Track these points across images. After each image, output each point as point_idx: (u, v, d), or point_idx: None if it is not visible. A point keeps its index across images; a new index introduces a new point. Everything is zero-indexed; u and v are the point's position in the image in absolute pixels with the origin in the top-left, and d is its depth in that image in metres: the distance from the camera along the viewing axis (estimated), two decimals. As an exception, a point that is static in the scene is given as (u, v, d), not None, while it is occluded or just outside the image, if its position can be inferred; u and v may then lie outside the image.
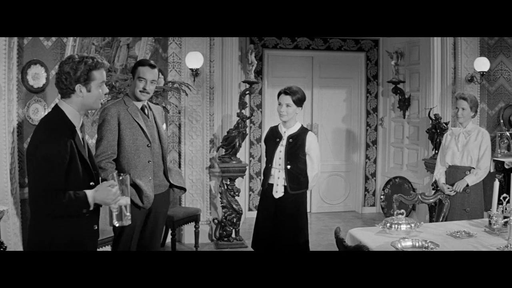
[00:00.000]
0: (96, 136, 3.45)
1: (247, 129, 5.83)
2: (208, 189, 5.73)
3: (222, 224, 5.56)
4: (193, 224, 5.35)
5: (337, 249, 2.85)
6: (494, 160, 5.51)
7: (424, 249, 2.75)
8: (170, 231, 5.17)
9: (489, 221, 3.19)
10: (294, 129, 3.88)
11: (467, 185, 4.16)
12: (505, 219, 2.94)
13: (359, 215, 7.25)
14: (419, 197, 4.08)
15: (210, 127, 5.69)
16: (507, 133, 5.80)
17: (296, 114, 3.86)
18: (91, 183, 2.34)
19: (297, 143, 3.83)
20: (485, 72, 5.80)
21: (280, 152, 3.85)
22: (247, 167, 6.08)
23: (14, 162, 3.92)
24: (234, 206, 5.52)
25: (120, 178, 2.39)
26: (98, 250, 4.16)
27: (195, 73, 5.40)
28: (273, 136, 3.94)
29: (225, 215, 5.52)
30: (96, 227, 2.43)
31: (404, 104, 6.85)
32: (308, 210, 4.12)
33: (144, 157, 3.38)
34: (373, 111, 7.35)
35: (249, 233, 4.88)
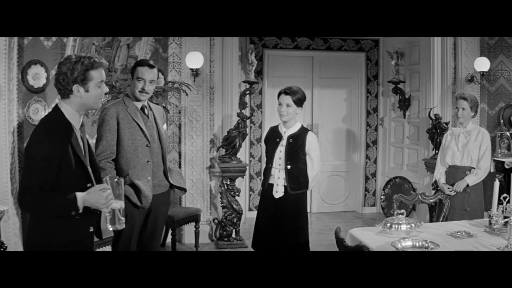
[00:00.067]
0: (96, 136, 3.45)
1: (247, 129, 5.83)
2: (208, 189, 5.73)
3: (222, 224, 5.56)
4: (193, 224, 5.35)
5: (337, 249, 2.85)
6: (494, 160, 5.51)
7: (424, 249, 2.75)
8: (170, 231, 5.17)
9: (489, 221, 3.19)
10: (294, 129, 3.88)
11: (467, 185, 4.16)
12: (505, 219, 2.94)
13: (359, 215, 7.25)
14: (419, 197, 4.08)
15: (210, 127, 5.69)
16: (507, 133, 5.80)
17: (296, 114, 3.86)
18: (88, 185, 2.32)
19: (297, 143, 3.83)
20: (485, 72, 5.80)
21: (280, 152, 3.85)
22: (247, 167, 6.07)
23: (14, 162, 3.93)
24: (234, 206, 5.52)
25: (113, 181, 2.34)
26: (98, 250, 4.18)
27: (195, 73, 5.41)
28: (273, 136, 3.94)
29: (225, 215, 5.52)
30: (91, 229, 2.39)
31: (404, 104, 6.85)
32: (308, 210, 4.12)
33: (143, 157, 3.38)
34: (373, 111, 7.35)
35: (249, 233, 4.88)
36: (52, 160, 2.19)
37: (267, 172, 3.91)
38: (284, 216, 3.79)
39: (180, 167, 5.61)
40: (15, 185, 3.92)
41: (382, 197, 7.14)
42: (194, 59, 5.31)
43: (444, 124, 5.66)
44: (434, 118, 5.76)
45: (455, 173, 4.24)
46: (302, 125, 3.95)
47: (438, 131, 5.67)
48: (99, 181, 2.43)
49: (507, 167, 5.54)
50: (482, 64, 5.72)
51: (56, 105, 2.35)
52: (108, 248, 4.25)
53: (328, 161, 7.20)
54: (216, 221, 5.71)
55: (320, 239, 5.90)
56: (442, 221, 4.00)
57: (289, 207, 3.80)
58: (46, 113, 3.26)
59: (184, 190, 3.70)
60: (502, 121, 6.08)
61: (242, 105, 6.32)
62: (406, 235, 3.06)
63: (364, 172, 7.39)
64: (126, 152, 3.36)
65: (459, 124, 4.31)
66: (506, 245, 2.81)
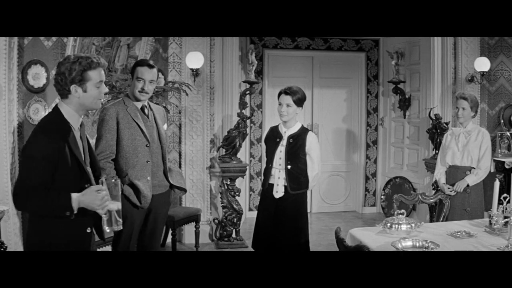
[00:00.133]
0: (96, 136, 3.46)
1: (248, 129, 5.83)
2: (209, 189, 5.73)
3: (223, 224, 5.56)
4: (193, 224, 5.35)
5: (337, 249, 2.85)
6: (494, 160, 5.51)
7: (424, 249, 2.75)
8: (170, 231, 5.17)
9: (490, 221, 3.19)
10: (295, 129, 3.88)
11: (468, 185, 4.16)
12: (506, 219, 2.94)
13: (360, 215, 7.25)
14: (420, 197, 4.08)
15: (211, 127, 5.69)
16: (508, 133, 5.80)
17: (296, 114, 3.86)
18: (86, 185, 2.31)
19: (297, 143, 3.83)
20: (485, 72, 5.80)
21: (280, 152, 3.85)
22: (247, 167, 6.07)
23: (14, 162, 3.93)
24: (234, 206, 5.52)
25: (110, 182, 2.32)
26: (98, 250, 4.18)
27: (195, 73, 5.41)
28: (274, 136, 3.94)
29: (226, 215, 5.52)
30: (89, 230, 2.37)
31: (405, 104, 6.85)
32: (308, 210, 4.12)
33: (142, 157, 3.38)
34: (373, 111, 7.35)
35: (249, 233, 4.88)
36: (46, 159, 2.19)
37: (267, 172, 3.91)
38: (284, 216, 3.79)
39: (180, 167, 5.61)
40: (15, 185, 3.92)
41: (382, 197, 7.14)
42: (194, 59, 5.31)
43: (444, 124, 5.66)
44: (434, 118, 5.76)
45: (455, 173, 4.24)
46: (302, 125, 3.94)
47: (438, 131, 5.68)
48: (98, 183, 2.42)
49: (507, 167, 5.54)
50: (482, 64, 5.72)
51: (56, 105, 2.35)
52: (108, 248, 4.25)
53: (328, 161, 7.20)
54: (216, 221, 5.71)
55: (320, 239, 5.90)
56: (442, 221, 4.00)
57: (289, 207, 3.80)
58: (46, 113, 3.26)
59: (184, 190, 3.70)
60: (502, 121, 6.08)
61: (242, 105, 6.32)
62: (406, 235, 3.06)
63: (364, 172, 7.39)
64: (126, 152, 3.36)
65: (459, 124, 4.31)
66: (506, 245, 2.81)
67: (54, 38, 4.32)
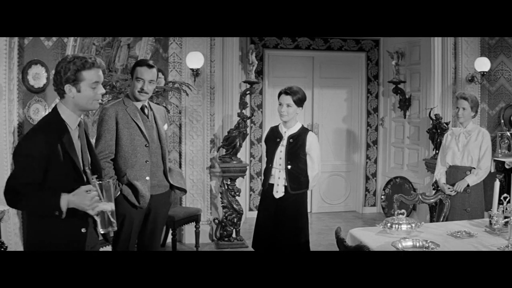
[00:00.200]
0: (96, 136, 3.46)
1: (248, 129, 5.83)
2: (209, 189, 5.73)
3: (223, 224, 5.56)
4: (193, 224, 5.34)
5: (337, 249, 2.85)
6: (494, 160, 5.50)
7: (424, 249, 2.75)
8: (170, 231, 5.16)
9: (490, 221, 3.19)
10: (295, 129, 3.88)
11: (468, 185, 4.16)
12: (506, 219, 2.94)
13: (360, 215, 7.25)
14: (420, 197, 4.07)
15: (211, 127, 5.69)
16: (508, 133, 5.79)
17: (296, 114, 3.86)
18: (83, 186, 2.27)
19: (297, 143, 3.83)
20: (485, 72, 5.80)
21: (280, 152, 3.85)
22: (247, 167, 6.07)
23: (14, 162, 3.93)
24: (234, 206, 5.52)
25: (105, 183, 2.28)
26: (101, 250, 4.17)
27: (195, 73, 5.41)
28: (274, 136, 3.94)
29: (226, 215, 5.52)
30: (84, 230, 2.33)
31: (405, 104, 6.85)
32: (308, 210, 4.12)
33: (141, 157, 3.38)
34: (373, 111, 7.35)
35: (249, 233, 4.88)
36: (36, 157, 2.18)
37: (268, 172, 3.90)
38: (284, 216, 3.79)
39: (180, 167, 5.61)
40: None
41: (382, 197, 7.13)
42: (195, 59, 5.31)
43: (445, 124, 5.66)
44: (434, 118, 5.76)
45: (455, 173, 4.24)
46: (302, 125, 3.94)
47: (439, 131, 5.67)
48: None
49: (507, 167, 5.54)
50: (483, 64, 5.72)
51: (55, 106, 2.36)
52: (108, 248, 4.25)
53: (329, 161, 7.20)
54: (216, 221, 5.71)
55: (320, 239, 5.90)
56: (442, 221, 3.99)
57: (290, 207, 3.80)
58: (46, 113, 3.26)
59: (184, 191, 3.69)
60: (502, 121, 6.08)
61: (243, 105, 6.32)
62: (406, 235, 3.05)
63: (365, 172, 7.39)
64: (125, 152, 3.36)
65: (459, 124, 4.30)
66: (507, 245, 2.81)
67: (54, 38, 4.32)
